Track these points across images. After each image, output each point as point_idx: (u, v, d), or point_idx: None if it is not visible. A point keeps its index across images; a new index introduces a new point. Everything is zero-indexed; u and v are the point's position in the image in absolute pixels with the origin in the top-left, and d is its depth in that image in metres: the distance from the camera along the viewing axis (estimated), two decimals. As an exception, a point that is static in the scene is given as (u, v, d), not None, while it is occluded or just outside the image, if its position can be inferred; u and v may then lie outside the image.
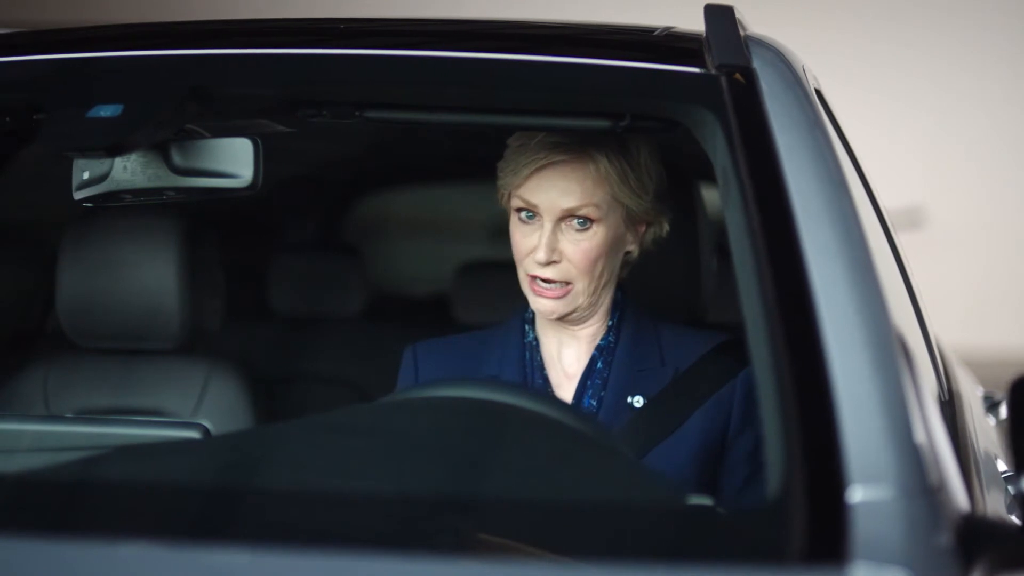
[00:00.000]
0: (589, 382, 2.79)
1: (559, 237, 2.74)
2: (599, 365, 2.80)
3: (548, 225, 2.74)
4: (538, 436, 2.24)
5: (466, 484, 2.14)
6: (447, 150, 4.50)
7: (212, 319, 3.51)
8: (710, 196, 3.34)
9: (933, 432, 2.01)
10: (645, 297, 2.90)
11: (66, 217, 3.53)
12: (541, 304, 2.76)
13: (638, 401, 2.75)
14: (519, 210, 2.76)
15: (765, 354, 2.03)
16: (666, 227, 2.84)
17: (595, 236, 2.74)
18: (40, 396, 3.50)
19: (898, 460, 1.88)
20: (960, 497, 2.02)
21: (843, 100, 3.68)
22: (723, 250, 4.05)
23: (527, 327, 2.86)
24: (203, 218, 3.48)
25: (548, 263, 2.73)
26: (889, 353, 2.00)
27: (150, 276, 3.36)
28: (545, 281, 2.74)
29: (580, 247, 2.74)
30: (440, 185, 5.61)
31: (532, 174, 2.74)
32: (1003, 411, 4.00)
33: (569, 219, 2.74)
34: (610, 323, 2.83)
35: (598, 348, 2.81)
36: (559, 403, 2.46)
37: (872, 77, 10.97)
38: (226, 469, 2.26)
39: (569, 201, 2.73)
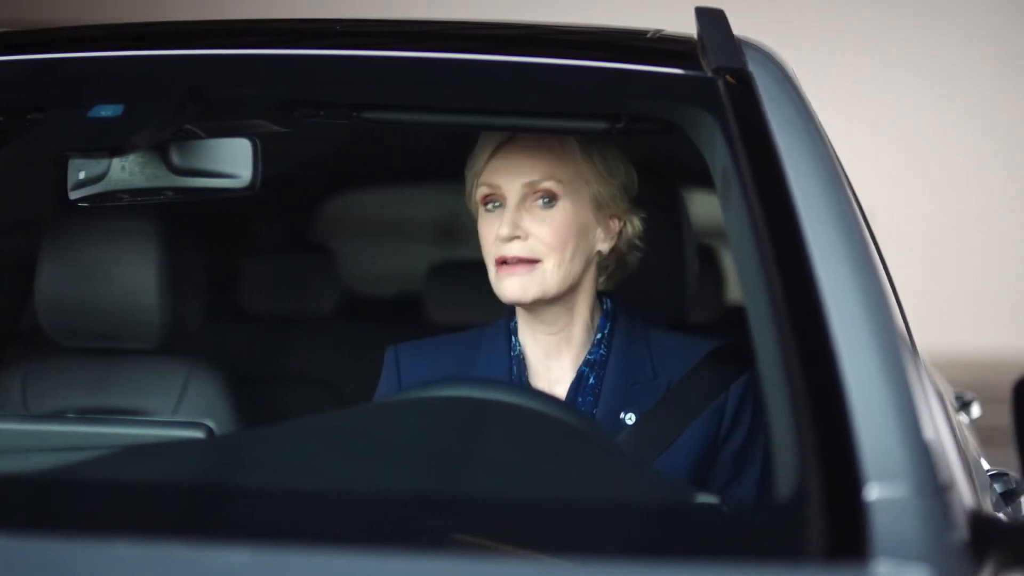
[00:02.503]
0: (580, 398, 2.73)
1: (523, 215, 2.69)
2: (591, 380, 2.74)
3: (512, 201, 2.69)
4: (544, 436, 2.25)
5: (472, 483, 2.15)
6: (415, 150, 4.51)
7: (192, 319, 3.50)
8: (691, 199, 3.37)
9: (940, 431, 2.04)
10: (629, 300, 2.90)
11: (38, 217, 3.52)
12: (508, 285, 2.68)
13: (630, 418, 2.70)
14: (484, 199, 2.73)
15: (774, 353, 2.04)
16: (639, 226, 2.80)
17: (561, 212, 2.69)
18: (19, 395, 3.49)
19: (912, 458, 1.90)
20: (967, 495, 2.05)
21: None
22: (704, 252, 4.08)
23: (514, 339, 2.80)
24: (182, 218, 3.47)
25: (511, 238, 2.67)
26: (896, 352, 2.02)
27: (130, 276, 3.35)
28: (511, 262, 2.68)
29: (546, 224, 2.68)
30: (410, 185, 5.61)
31: (493, 153, 2.72)
32: (975, 411, 4.05)
33: (532, 196, 2.69)
34: (599, 335, 2.78)
35: (587, 362, 2.75)
36: (563, 404, 2.47)
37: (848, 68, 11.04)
38: (227, 470, 2.26)
39: (530, 174, 2.69)
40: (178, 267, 3.41)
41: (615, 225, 2.78)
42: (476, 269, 4.30)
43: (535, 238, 2.69)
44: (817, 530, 1.85)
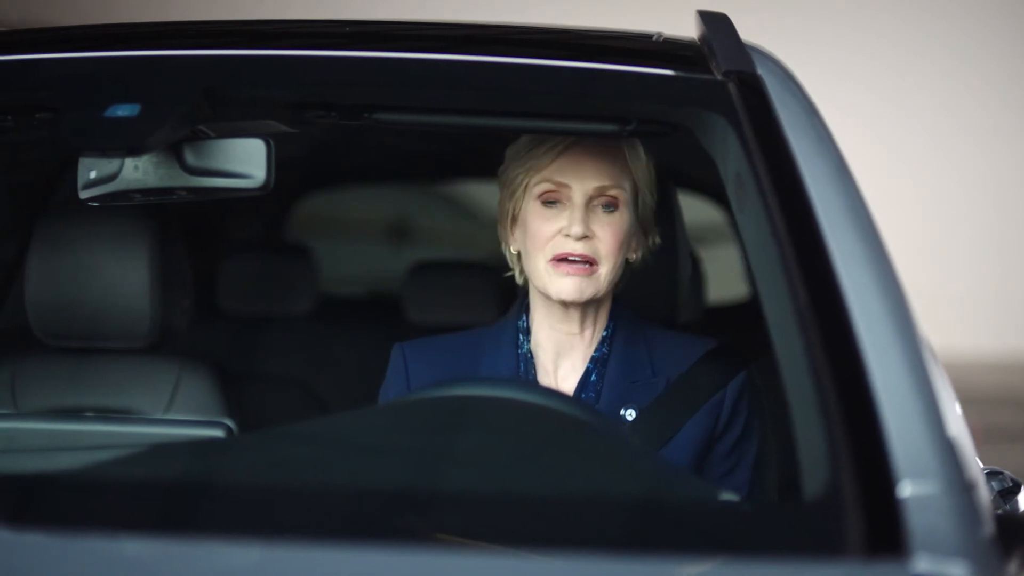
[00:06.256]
0: (583, 395, 2.78)
1: (589, 216, 2.73)
2: (593, 378, 2.80)
3: (580, 201, 2.73)
4: (570, 435, 2.28)
5: (503, 481, 2.16)
6: (397, 151, 4.52)
7: (182, 319, 3.49)
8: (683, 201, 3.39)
9: (961, 429, 2.08)
10: (625, 300, 2.94)
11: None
12: (566, 284, 2.73)
13: (631, 414, 2.76)
14: (543, 195, 2.75)
15: (800, 354, 2.07)
16: (657, 239, 2.86)
17: (621, 219, 2.75)
18: (8, 395, 3.47)
19: (941, 455, 1.94)
20: (986, 492, 2.09)
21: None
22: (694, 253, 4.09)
23: (522, 337, 2.84)
24: (170, 218, 3.47)
25: (582, 238, 2.71)
26: (919, 350, 2.06)
27: (121, 275, 3.34)
28: (573, 261, 2.72)
29: (610, 228, 2.73)
30: (392, 185, 5.62)
31: (562, 152, 2.74)
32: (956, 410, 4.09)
33: (597, 199, 2.74)
34: (604, 333, 2.83)
35: (592, 360, 2.81)
36: (589, 406, 2.50)
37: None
38: (249, 469, 2.27)
39: (601, 179, 2.74)
40: (167, 267, 3.41)
41: (643, 236, 2.83)
42: (455, 269, 4.33)
43: (598, 240, 2.74)
44: (855, 527, 1.88)
